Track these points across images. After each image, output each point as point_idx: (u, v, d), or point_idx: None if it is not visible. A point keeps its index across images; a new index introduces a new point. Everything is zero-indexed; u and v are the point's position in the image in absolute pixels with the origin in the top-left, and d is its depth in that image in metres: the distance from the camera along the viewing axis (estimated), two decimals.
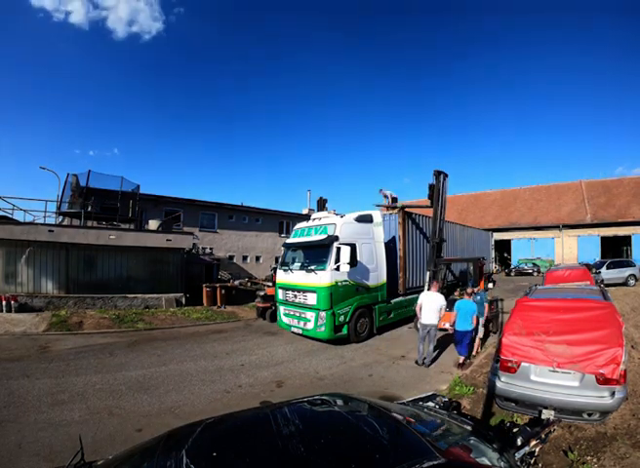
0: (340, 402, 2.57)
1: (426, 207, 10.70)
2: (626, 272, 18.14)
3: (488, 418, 4.60)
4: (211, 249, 21.31)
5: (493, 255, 28.52)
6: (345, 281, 8.73)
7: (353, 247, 8.84)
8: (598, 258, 25.55)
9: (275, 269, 12.50)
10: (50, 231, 12.58)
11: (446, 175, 10.35)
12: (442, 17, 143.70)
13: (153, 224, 16.11)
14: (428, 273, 10.22)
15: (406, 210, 11.11)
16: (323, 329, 8.40)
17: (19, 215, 30.18)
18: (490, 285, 9.48)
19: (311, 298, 8.72)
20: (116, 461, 1.95)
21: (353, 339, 8.92)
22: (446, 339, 9.15)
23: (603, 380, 3.93)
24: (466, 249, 17.00)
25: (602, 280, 15.47)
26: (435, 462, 1.53)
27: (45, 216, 14.56)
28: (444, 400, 3.26)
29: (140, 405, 5.28)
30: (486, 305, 8.26)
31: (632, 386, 5.11)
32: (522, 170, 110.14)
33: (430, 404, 3.10)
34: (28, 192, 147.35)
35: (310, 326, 8.69)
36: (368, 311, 9.38)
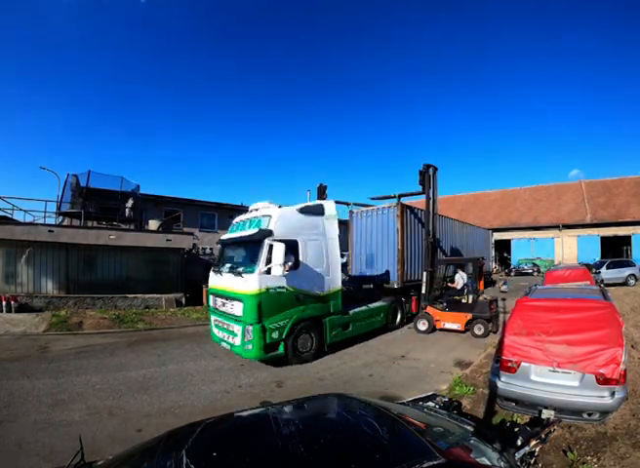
0: (339, 402, 2.57)
1: (419, 193, 10.83)
2: (626, 272, 18.18)
3: (488, 418, 4.60)
4: (211, 249, 21.30)
5: (492, 254, 28.51)
6: (281, 287, 6.96)
7: (292, 244, 7.14)
8: (598, 258, 25.56)
9: None
10: (50, 231, 12.60)
11: (435, 169, 10.43)
12: (440, 14, 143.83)
13: (153, 224, 16.14)
14: (425, 274, 10.23)
15: (403, 202, 11.30)
16: (250, 346, 6.65)
17: (19, 216, 30.09)
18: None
19: (237, 308, 6.95)
20: (116, 461, 1.95)
21: (292, 360, 7.14)
22: (446, 339, 9.16)
23: (603, 380, 3.93)
24: (465, 246, 16.95)
25: (602, 280, 15.50)
26: (435, 462, 1.52)
27: (45, 217, 14.62)
28: (444, 400, 3.25)
29: (140, 405, 5.27)
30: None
31: (632, 386, 5.10)
32: (522, 170, 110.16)
33: (430, 404, 3.10)
34: (28, 192, 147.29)
35: (238, 341, 6.89)
36: (314, 325, 7.61)
